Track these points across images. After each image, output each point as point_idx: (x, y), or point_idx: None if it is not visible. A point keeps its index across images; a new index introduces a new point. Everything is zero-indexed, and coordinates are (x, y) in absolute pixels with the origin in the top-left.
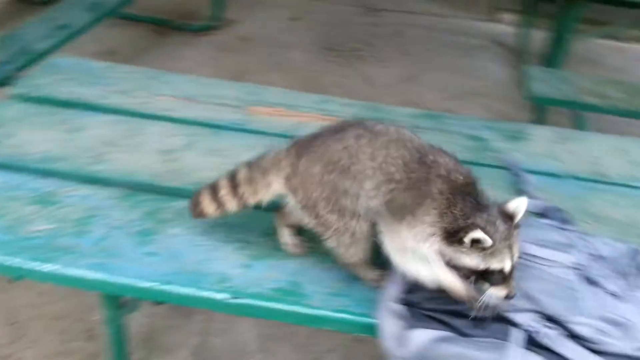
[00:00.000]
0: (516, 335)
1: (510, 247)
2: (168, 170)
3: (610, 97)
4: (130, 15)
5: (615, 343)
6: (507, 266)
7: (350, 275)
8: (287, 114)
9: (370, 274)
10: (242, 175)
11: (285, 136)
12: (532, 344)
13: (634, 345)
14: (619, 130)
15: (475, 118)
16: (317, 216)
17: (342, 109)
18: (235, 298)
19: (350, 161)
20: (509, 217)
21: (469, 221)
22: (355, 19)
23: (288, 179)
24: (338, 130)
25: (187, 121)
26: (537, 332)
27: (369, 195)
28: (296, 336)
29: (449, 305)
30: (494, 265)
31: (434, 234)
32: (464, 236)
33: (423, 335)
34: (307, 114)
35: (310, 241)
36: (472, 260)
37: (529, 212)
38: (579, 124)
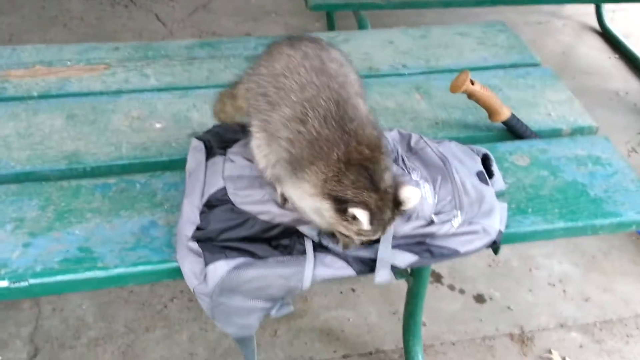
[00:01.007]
0: (309, 246)
1: (382, 231)
2: None
3: None
4: None
5: (395, 229)
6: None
7: (143, 225)
8: (47, 71)
9: None
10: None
11: (49, 96)
12: (325, 247)
13: (413, 225)
14: (406, 21)
15: (252, 38)
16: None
17: (110, 54)
18: (18, 282)
19: (284, 71)
20: (398, 203)
21: (360, 197)
22: None
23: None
24: (299, 39)
25: None
26: (327, 239)
27: (281, 119)
28: (135, 295)
29: (243, 232)
30: (362, 239)
31: (318, 196)
32: (350, 207)
33: (220, 268)
34: (70, 68)
35: (93, 201)
36: (346, 231)
37: None
38: (361, 24)
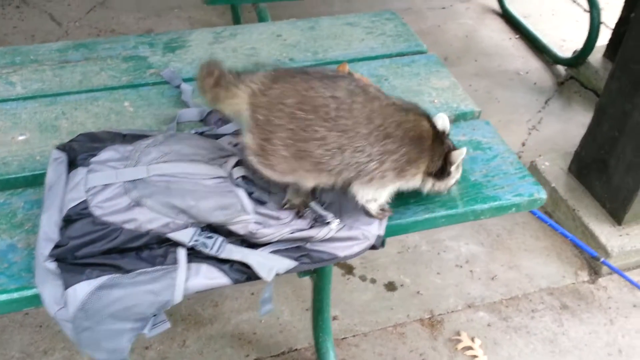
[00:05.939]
0: (181, 255)
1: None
2: None
3: None
4: None
5: (272, 231)
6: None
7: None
8: None
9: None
10: (228, 78)
11: None
12: (199, 257)
13: (292, 227)
14: (312, 12)
15: (132, 37)
16: (266, 141)
17: None
18: None
19: (338, 113)
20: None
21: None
22: None
23: (254, 95)
24: (326, 76)
25: None
26: (202, 244)
27: (365, 154)
28: (31, 317)
29: (107, 245)
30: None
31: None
32: (452, 160)
33: (81, 290)
34: None
35: None
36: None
37: (187, 123)
38: (261, 17)
